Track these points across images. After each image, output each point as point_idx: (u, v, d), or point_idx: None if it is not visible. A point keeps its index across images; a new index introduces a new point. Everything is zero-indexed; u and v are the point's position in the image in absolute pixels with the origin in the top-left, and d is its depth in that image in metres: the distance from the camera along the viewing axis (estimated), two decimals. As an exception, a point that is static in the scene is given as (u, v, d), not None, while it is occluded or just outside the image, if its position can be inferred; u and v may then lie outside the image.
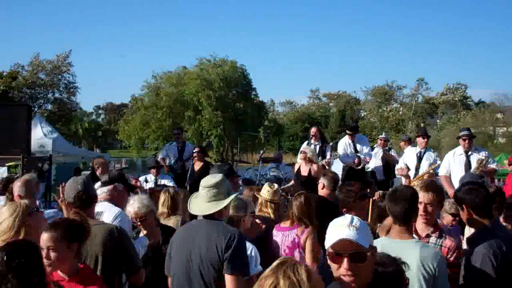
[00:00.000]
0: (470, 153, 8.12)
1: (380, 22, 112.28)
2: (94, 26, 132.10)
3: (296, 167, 8.80)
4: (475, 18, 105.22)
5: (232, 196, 3.67)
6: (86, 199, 3.82)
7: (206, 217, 3.58)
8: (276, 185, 5.61)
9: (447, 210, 5.09)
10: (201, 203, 3.62)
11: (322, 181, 5.90)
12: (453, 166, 8.15)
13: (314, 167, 8.40)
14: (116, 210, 4.50)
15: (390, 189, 3.99)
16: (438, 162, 8.85)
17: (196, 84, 40.54)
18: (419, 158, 8.97)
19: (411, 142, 10.77)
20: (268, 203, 5.42)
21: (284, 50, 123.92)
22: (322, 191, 5.82)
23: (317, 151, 9.59)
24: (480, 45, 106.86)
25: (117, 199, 4.78)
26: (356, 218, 2.39)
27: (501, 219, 4.53)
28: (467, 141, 8.13)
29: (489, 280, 3.31)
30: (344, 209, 5.06)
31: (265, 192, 5.45)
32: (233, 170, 5.88)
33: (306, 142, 9.93)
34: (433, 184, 3.90)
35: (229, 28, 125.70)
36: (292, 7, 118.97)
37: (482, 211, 3.62)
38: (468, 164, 7.99)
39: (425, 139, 9.15)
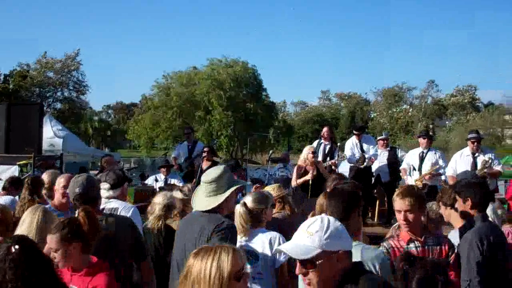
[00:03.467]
0: (476, 154, 8.26)
1: (392, 24, 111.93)
2: (104, 25, 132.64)
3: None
4: (486, 19, 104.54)
5: (233, 188, 3.66)
6: (86, 200, 3.90)
7: (206, 210, 3.61)
8: (275, 184, 5.69)
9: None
10: (201, 199, 3.66)
11: (331, 182, 5.88)
12: (460, 167, 8.25)
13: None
14: (129, 205, 4.72)
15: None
16: (440, 162, 9.05)
17: (207, 84, 40.63)
18: (422, 159, 9.20)
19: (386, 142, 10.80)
20: (277, 202, 5.46)
21: (296, 51, 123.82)
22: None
23: (326, 151, 9.67)
24: (491, 47, 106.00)
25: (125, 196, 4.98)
26: (317, 222, 2.38)
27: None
28: (475, 143, 8.31)
29: (476, 264, 3.47)
30: None
31: (270, 191, 5.48)
32: (239, 164, 5.93)
33: (316, 142, 9.98)
34: (409, 190, 3.78)
35: (241, 29, 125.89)
36: (303, 8, 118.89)
37: (480, 206, 3.77)
38: (474, 165, 8.14)
39: (426, 139, 9.38)
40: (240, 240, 3.99)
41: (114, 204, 4.57)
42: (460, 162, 8.37)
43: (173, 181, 9.58)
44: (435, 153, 9.34)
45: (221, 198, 3.60)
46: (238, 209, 4.07)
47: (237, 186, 3.74)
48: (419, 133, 9.99)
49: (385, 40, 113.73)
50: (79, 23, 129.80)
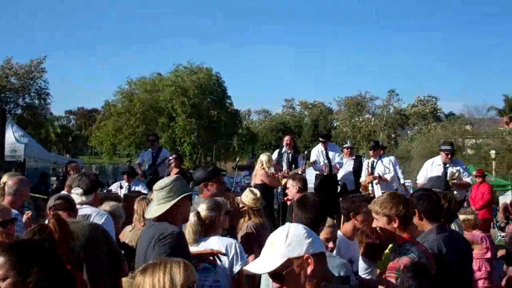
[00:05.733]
0: (448, 165, 8.49)
1: (355, 33, 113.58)
2: (68, 29, 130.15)
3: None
4: (446, 32, 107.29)
5: (182, 196, 3.55)
6: (68, 202, 3.86)
7: (157, 219, 3.54)
8: (258, 191, 5.65)
9: None
10: (152, 207, 3.62)
11: (296, 185, 5.92)
12: (430, 176, 8.43)
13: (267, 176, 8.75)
14: (102, 212, 4.62)
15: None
16: (388, 171, 9.45)
17: (171, 91, 40.51)
18: (372, 167, 9.56)
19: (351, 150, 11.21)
20: (255, 211, 5.46)
21: (260, 59, 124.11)
22: (298, 194, 5.67)
23: (290, 160, 9.76)
24: (452, 59, 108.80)
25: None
26: (278, 231, 2.32)
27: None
28: (448, 155, 8.59)
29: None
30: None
31: (248, 199, 5.47)
32: (218, 170, 5.89)
33: (278, 151, 10.08)
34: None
35: (207, 37, 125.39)
36: (267, 17, 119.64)
37: (431, 216, 3.74)
38: (445, 175, 8.32)
39: (372, 151, 9.82)
40: (192, 248, 3.91)
41: (87, 210, 4.45)
42: (432, 171, 8.59)
43: (137, 188, 9.48)
44: (385, 159, 9.71)
45: (167, 205, 3.50)
46: (190, 218, 3.99)
47: (187, 194, 3.61)
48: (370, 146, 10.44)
49: (349, 49, 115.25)
50: (42, 28, 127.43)
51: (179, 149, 38.85)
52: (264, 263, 2.25)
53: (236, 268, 3.99)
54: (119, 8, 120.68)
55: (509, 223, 9.81)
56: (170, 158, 9.86)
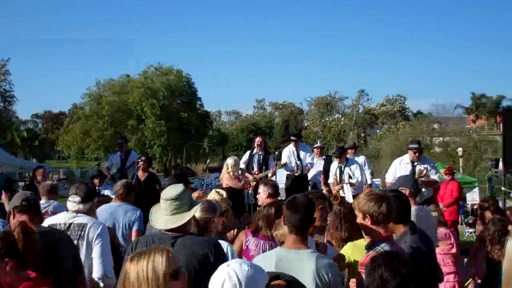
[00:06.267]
0: (416, 163, 8.58)
1: (326, 33, 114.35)
2: (34, 29, 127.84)
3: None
4: (414, 31, 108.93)
5: (196, 207, 3.57)
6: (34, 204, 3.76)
7: (169, 230, 3.45)
8: (224, 192, 5.62)
9: None
10: (163, 217, 3.49)
11: (267, 190, 5.90)
12: (399, 174, 8.50)
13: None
14: (98, 222, 4.53)
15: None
16: (357, 174, 9.57)
17: (140, 93, 40.17)
18: (341, 173, 9.63)
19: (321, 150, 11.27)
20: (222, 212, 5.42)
21: (231, 60, 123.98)
22: (267, 200, 5.70)
23: (261, 161, 9.74)
24: (421, 58, 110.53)
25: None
26: (226, 282, 2.35)
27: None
28: (416, 153, 8.63)
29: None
30: None
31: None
32: (185, 175, 5.82)
33: (249, 152, 10.06)
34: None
35: (177, 38, 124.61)
36: (238, 17, 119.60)
37: (402, 217, 3.72)
38: (413, 173, 8.40)
39: (337, 157, 9.77)
40: None
41: (83, 219, 4.31)
42: (400, 169, 8.66)
43: (106, 192, 9.34)
44: (355, 163, 9.85)
45: (187, 216, 3.45)
46: None
47: (199, 205, 3.70)
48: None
49: (319, 50, 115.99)
50: (4, 29, 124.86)
51: (148, 151, 38.59)
52: None
53: None
54: (87, 9, 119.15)
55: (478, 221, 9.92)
56: (139, 161, 9.73)
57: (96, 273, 4.19)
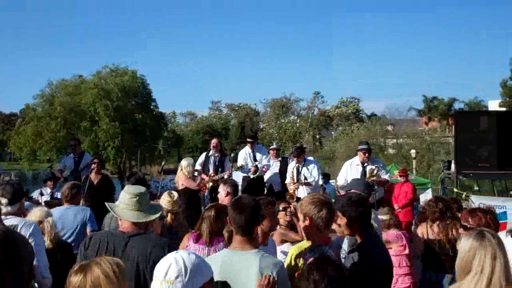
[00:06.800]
0: (366, 164, 8.71)
1: (280, 35, 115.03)
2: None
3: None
4: (369, 33, 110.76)
5: (157, 215, 3.60)
6: None
7: (125, 228, 3.48)
8: (176, 194, 5.59)
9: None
10: (130, 211, 3.49)
11: (225, 189, 5.88)
12: (350, 176, 8.64)
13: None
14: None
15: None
16: (314, 174, 9.53)
17: (93, 94, 39.52)
18: (298, 173, 9.60)
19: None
20: (173, 214, 5.41)
21: (187, 62, 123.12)
22: (226, 199, 5.66)
23: (217, 163, 9.75)
24: (376, 60, 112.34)
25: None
26: (172, 266, 2.45)
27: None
28: (366, 154, 8.77)
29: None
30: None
31: (165, 202, 5.38)
32: (147, 184, 5.80)
33: (205, 154, 10.04)
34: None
35: (131, 39, 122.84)
36: (194, 18, 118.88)
37: (363, 222, 3.68)
38: (364, 174, 8.58)
39: (296, 157, 9.74)
40: None
41: (13, 221, 4.19)
42: (351, 171, 8.80)
43: (59, 194, 9.15)
44: (311, 165, 9.78)
45: (152, 216, 3.53)
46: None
47: (160, 213, 3.72)
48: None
49: (275, 52, 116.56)
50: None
51: (102, 153, 38.01)
52: None
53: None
54: (40, 6, 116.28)
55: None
56: (93, 163, 9.57)
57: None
